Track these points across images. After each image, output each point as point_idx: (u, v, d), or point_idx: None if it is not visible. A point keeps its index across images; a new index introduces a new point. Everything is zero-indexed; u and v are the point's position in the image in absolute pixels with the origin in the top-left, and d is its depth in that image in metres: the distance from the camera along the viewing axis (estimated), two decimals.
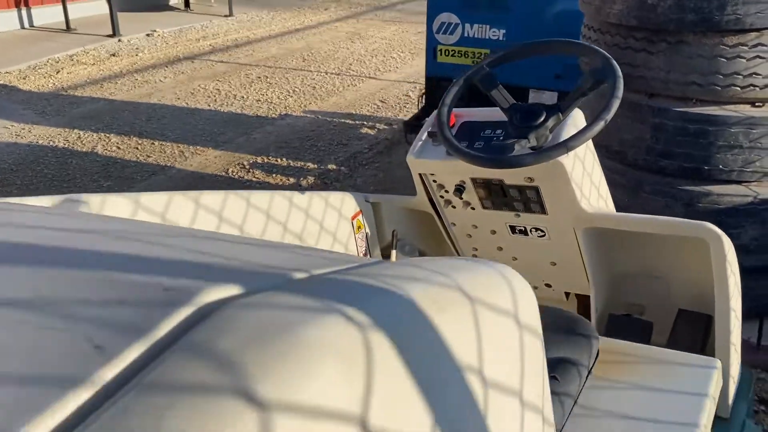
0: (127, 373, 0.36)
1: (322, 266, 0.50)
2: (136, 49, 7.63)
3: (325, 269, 0.49)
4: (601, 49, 1.35)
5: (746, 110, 2.27)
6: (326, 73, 6.76)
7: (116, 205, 1.05)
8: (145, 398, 0.34)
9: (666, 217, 1.48)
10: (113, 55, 7.38)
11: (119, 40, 7.83)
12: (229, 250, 0.56)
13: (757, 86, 2.22)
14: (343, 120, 5.45)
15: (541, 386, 0.56)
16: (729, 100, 2.27)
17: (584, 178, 1.47)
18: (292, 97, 6.08)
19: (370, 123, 5.35)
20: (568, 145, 1.26)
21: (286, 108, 5.80)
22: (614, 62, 1.31)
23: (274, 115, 5.62)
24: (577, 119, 1.46)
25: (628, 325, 1.65)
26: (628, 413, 1.09)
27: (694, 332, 1.57)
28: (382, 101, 5.84)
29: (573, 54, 2.23)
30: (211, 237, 0.69)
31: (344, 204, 1.58)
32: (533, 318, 0.55)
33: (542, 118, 1.36)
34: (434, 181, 1.62)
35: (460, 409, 0.44)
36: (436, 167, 1.57)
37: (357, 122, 5.39)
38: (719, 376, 1.22)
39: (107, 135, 5.20)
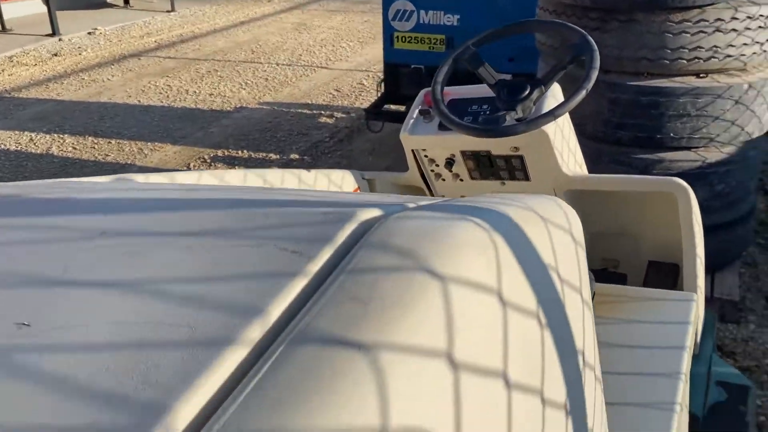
0: (327, 266, 0.48)
1: (417, 201, 0.62)
2: (79, 48, 7.48)
3: (425, 202, 0.61)
4: (576, 27, 1.50)
5: (692, 81, 2.48)
6: (277, 65, 6.79)
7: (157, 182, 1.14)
8: (354, 278, 0.46)
9: (637, 175, 1.65)
10: (55, 54, 7.22)
11: (60, 40, 7.66)
12: (329, 196, 0.67)
13: (701, 59, 2.43)
14: (299, 110, 5.52)
15: (588, 289, 0.70)
16: (677, 73, 2.47)
17: (564, 145, 1.62)
18: (245, 89, 6.10)
19: (327, 112, 5.44)
20: (555, 113, 1.41)
21: (240, 101, 5.82)
22: (590, 38, 1.46)
23: (229, 109, 5.64)
24: (555, 91, 1.61)
25: (604, 278, 1.82)
26: (627, 343, 1.24)
27: (664, 280, 1.75)
28: (336, 90, 5.93)
29: (549, 32, 2.39)
30: (300, 190, 0.80)
31: (344, 181, 1.70)
32: (581, 236, 0.69)
33: (527, 92, 1.50)
34: (426, 156, 1.75)
35: (548, 294, 0.58)
36: (428, 143, 1.70)
37: (314, 112, 5.46)
38: (696, 306, 1.39)
39: (60, 136, 5.13)
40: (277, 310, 0.44)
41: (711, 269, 2.84)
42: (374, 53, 6.88)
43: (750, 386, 1.66)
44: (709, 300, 2.71)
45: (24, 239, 0.56)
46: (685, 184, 1.55)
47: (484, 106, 1.63)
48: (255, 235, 0.52)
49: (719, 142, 2.56)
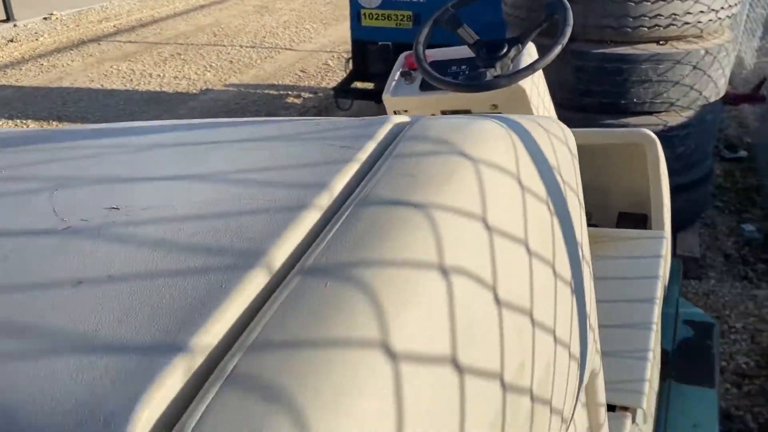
0: (374, 154, 0.55)
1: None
2: (35, 33, 7.32)
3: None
4: None
5: (653, 48, 2.60)
6: (241, 47, 6.76)
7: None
8: (400, 160, 0.53)
9: (608, 128, 1.75)
10: (11, 41, 7.05)
11: (15, 25, 7.48)
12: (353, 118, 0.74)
13: (660, 26, 2.55)
14: (266, 91, 5.53)
15: (582, 193, 0.78)
16: (639, 40, 2.58)
17: (539, 101, 1.71)
18: (210, 71, 6.07)
19: (294, 92, 5.46)
20: (534, 67, 1.49)
21: (206, 83, 5.79)
22: None
23: (195, 91, 5.62)
24: (531, 50, 1.70)
25: None
26: (606, 275, 1.34)
27: (634, 228, 1.87)
28: (302, 71, 5.95)
29: None
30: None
31: None
32: (575, 149, 0.77)
33: (505, 50, 1.59)
34: None
35: (554, 187, 0.66)
36: (410, 103, 1.77)
37: (281, 92, 5.48)
38: (667, 242, 1.50)
39: (24, 121, 5.05)
40: (339, 184, 0.50)
41: (673, 229, 2.99)
42: (338, 34, 6.90)
43: (714, 323, 1.78)
44: (673, 257, 2.86)
45: (89, 154, 0.61)
46: (653, 134, 1.66)
47: (463, 66, 1.71)
48: (304, 138, 0.59)
49: (679, 106, 2.69)
